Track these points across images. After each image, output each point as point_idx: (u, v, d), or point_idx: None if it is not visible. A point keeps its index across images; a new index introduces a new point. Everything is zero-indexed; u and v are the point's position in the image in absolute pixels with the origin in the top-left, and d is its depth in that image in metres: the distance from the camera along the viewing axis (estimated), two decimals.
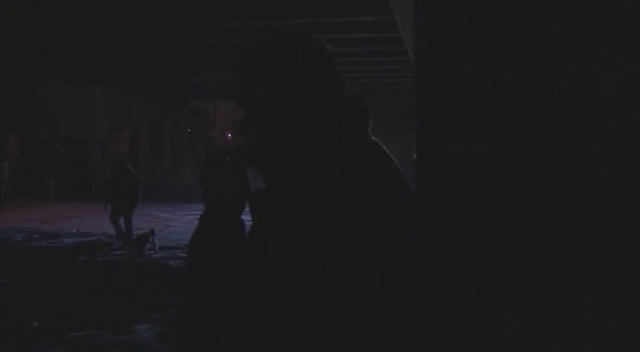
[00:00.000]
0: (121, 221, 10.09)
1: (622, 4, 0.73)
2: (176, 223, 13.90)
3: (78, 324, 5.44)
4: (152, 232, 9.41)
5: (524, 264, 0.69)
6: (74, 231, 11.98)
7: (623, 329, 0.72)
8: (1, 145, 17.76)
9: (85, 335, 5.16)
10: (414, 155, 0.83)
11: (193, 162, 31.09)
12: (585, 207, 0.68)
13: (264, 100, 1.11)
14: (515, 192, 0.70)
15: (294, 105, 1.10)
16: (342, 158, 1.06)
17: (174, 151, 29.57)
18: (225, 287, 1.04)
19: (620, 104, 0.69)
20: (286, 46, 1.13)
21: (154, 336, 5.24)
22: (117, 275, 7.66)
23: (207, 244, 1.12)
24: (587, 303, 0.69)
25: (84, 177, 21.06)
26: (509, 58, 0.73)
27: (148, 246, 9.08)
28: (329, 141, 1.07)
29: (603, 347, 0.72)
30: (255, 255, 1.06)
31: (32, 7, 10.03)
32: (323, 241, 0.97)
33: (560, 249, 0.69)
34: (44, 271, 7.95)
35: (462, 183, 0.73)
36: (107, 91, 21.57)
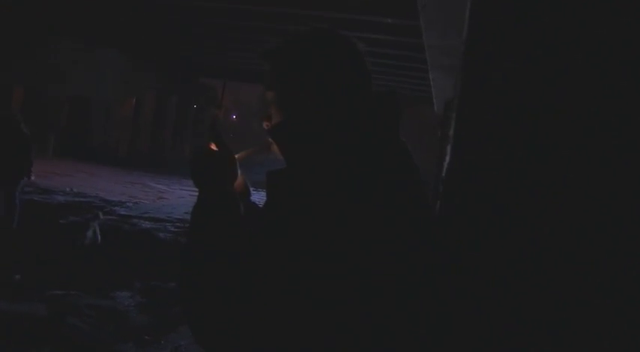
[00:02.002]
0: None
1: None
2: (169, 196, 13.89)
3: (60, 283, 5.44)
4: (96, 217, 7.54)
5: (575, 284, 0.68)
6: (67, 189, 11.96)
7: None
8: (4, 95, 17.66)
9: (65, 295, 5.15)
10: (446, 162, 0.82)
11: (194, 139, 31.09)
12: None
13: (293, 90, 1.13)
14: (565, 205, 0.68)
15: (322, 97, 1.11)
16: (364, 151, 1.06)
17: (177, 125, 29.55)
18: (225, 255, 1.04)
19: None
20: (319, 39, 1.17)
21: (133, 305, 5.24)
22: (105, 239, 7.65)
23: (209, 219, 1.11)
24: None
25: (84, 137, 21.04)
26: (562, 63, 0.71)
27: (88, 232, 7.16)
28: (354, 133, 1.08)
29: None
30: (259, 226, 1.06)
31: None
32: (327, 228, 0.97)
33: (614, 261, 0.66)
34: (32, 225, 7.93)
35: (503, 193, 0.71)
36: (118, 56, 21.48)
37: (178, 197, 13.90)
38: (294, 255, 0.96)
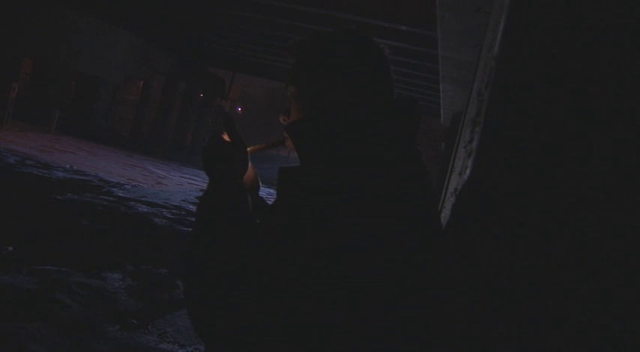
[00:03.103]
0: None
1: None
2: (168, 182, 13.88)
3: (52, 258, 5.44)
4: None
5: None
6: (67, 166, 11.96)
7: None
8: (13, 66, 17.65)
9: (56, 271, 5.14)
10: (466, 175, 0.82)
11: (197, 127, 31.07)
12: None
13: (316, 87, 1.13)
14: (594, 221, 0.66)
15: (345, 97, 1.11)
16: (380, 157, 1.05)
17: (183, 112, 29.54)
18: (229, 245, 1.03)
19: None
20: (349, 40, 1.16)
21: (123, 287, 5.23)
22: (100, 219, 7.64)
23: (216, 209, 1.10)
24: None
25: (88, 115, 21.01)
26: (595, 81, 0.69)
27: None
28: (372, 137, 1.07)
29: None
30: (268, 222, 1.06)
31: None
32: (336, 230, 0.96)
33: None
34: (30, 199, 7.93)
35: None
36: (130, 37, 21.46)
37: (177, 184, 13.90)
38: (302, 253, 0.96)
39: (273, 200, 1.17)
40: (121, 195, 10.07)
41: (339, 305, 0.95)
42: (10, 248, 5.46)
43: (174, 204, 10.50)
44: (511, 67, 0.70)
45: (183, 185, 13.88)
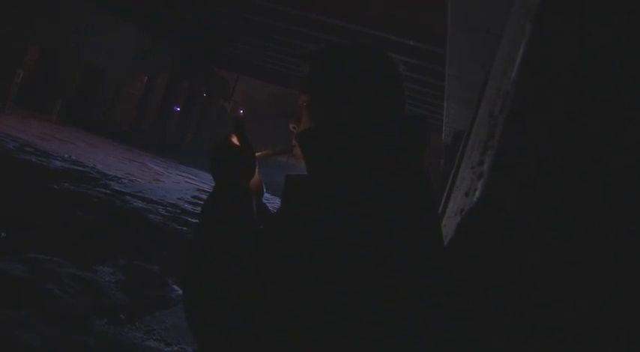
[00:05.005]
0: None
1: None
2: (165, 180, 13.86)
3: (43, 247, 5.42)
4: None
5: None
6: (66, 156, 11.94)
7: None
8: (18, 54, 17.65)
9: (47, 260, 5.13)
10: (475, 196, 0.82)
11: (197, 127, 31.08)
12: None
13: (330, 97, 1.13)
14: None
15: (357, 110, 1.12)
16: (387, 172, 1.06)
17: (184, 110, 29.56)
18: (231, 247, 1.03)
19: None
20: (366, 54, 1.17)
21: (114, 281, 5.21)
22: (95, 211, 7.63)
23: (221, 212, 1.11)
24: None
25: (91, 107, 21.01)
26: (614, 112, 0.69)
27: None
28: (381, 152, 1.08)
29: None
30: (271, 229, 1.06)
31: None
32: (339, 241, 0.97)
33: None
34: (26, 186, 7.91)
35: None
36: (137, 32, 21.47)
37: (174, 181, 13.88)
38: (304, 261, 0.97)
39: (274, 206, 1.17)
40: (118, 188, 10.05)
41: (339, 310, 0.96)
42: (2, 234, 5.44)
43: (170, 201, 10.49)
44: (530, 93, 0.71)
45: (180, 183, 13.86)
